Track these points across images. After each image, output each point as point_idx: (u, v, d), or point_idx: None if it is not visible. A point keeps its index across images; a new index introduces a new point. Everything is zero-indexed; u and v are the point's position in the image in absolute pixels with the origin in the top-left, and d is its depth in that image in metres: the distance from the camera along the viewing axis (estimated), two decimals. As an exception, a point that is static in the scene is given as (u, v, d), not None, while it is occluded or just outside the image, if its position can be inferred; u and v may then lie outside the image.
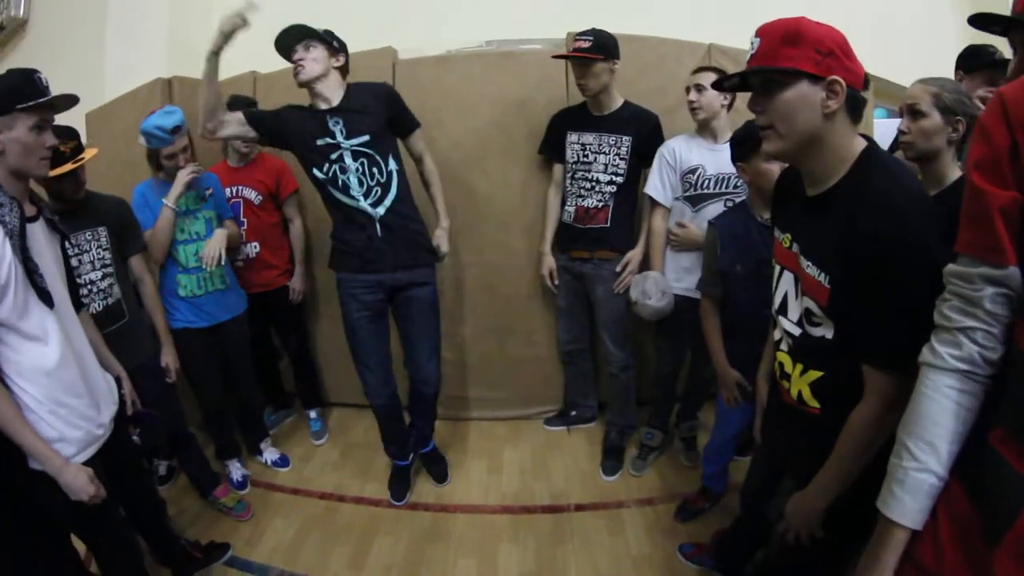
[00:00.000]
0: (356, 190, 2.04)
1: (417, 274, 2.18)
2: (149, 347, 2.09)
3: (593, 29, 2.17)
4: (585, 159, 2.33)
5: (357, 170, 2.03)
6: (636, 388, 2.81)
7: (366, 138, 2.02)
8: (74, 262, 1.84)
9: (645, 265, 2.37)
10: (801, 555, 1.21)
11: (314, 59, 1.99)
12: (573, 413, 2.92)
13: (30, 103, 1.30)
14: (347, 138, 2.01)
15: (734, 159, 1.75)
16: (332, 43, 2.03)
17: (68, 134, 1.78)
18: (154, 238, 2.16)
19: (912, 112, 1.41)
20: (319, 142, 2.01)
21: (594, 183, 2.33)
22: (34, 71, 1.38)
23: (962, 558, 0.78)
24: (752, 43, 1.00)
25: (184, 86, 2.71)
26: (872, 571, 0.86)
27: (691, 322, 2.14)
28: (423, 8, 2.80)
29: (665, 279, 2.24)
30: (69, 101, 1.43)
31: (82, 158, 1.80)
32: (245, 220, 2.53)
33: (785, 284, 1.19)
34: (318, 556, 2.17)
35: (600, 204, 2.34)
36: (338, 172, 2.03)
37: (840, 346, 1.05)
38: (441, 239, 2.24)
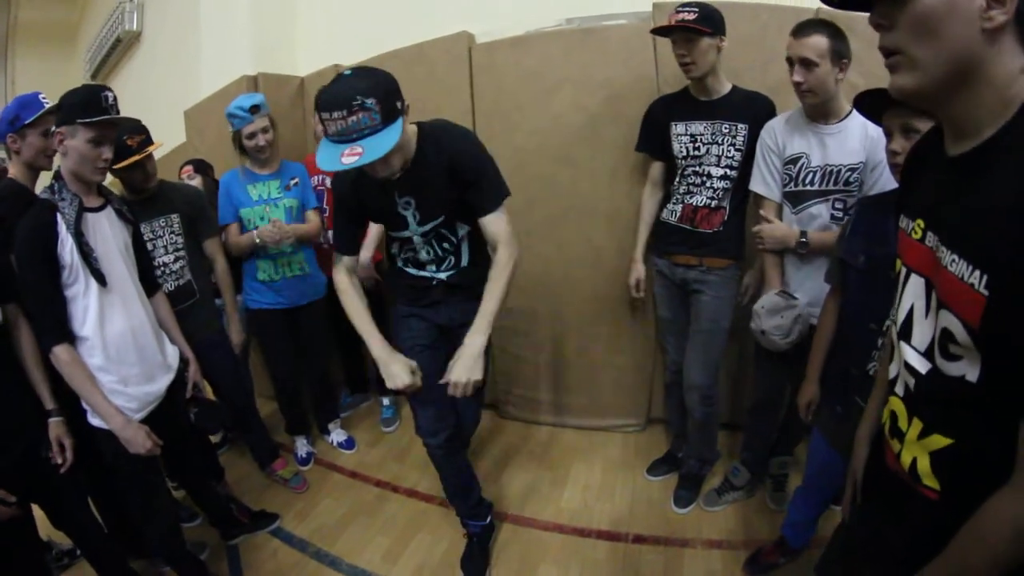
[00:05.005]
0: (426, 262, 1.75)
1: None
2: (218, 324, 2.23)
3: (698, 0, 1.84)
4: (696, 152, 1.97)
5: (427, 249, 1.72)
6: (729, 412, 2.45)
7: (439, 220, 1.66)
8: (149, 246, 2.02)
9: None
10: None
11: (398, 148, 1.42)
12: (680, 454, 2.36)
13: (87, 120, 1.44)
14: (420, 224, 1.65)
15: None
16: (397, 105, 1.41)
17: (136, 129, 1.92)
18: (229, 245, 2.31)
19: None
20: (393, 234, 1.72)
21: (705, 177, 1.97)
22: (102, 89, 1.52)
23: None
24: None
25: (268, 81, 2.88)
26: None
27: (801, 343, 1.75)
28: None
29: (809, 317, 1.74)
30: (129, 124, 1.59)
31: (146, 151, 1.92)
32: (327, 208, 2.61)
33: (912, 294, 0.81)
34: (357, 542, 2.16)
35: (713, 204, 1.98)
36: (410, 254, 1.75)
37: (987, 396, 0.68)
38: (456, 367, 1.53)
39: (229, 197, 2.33)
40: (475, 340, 1.55)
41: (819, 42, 1.59)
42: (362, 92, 1.30)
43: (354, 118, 1.30)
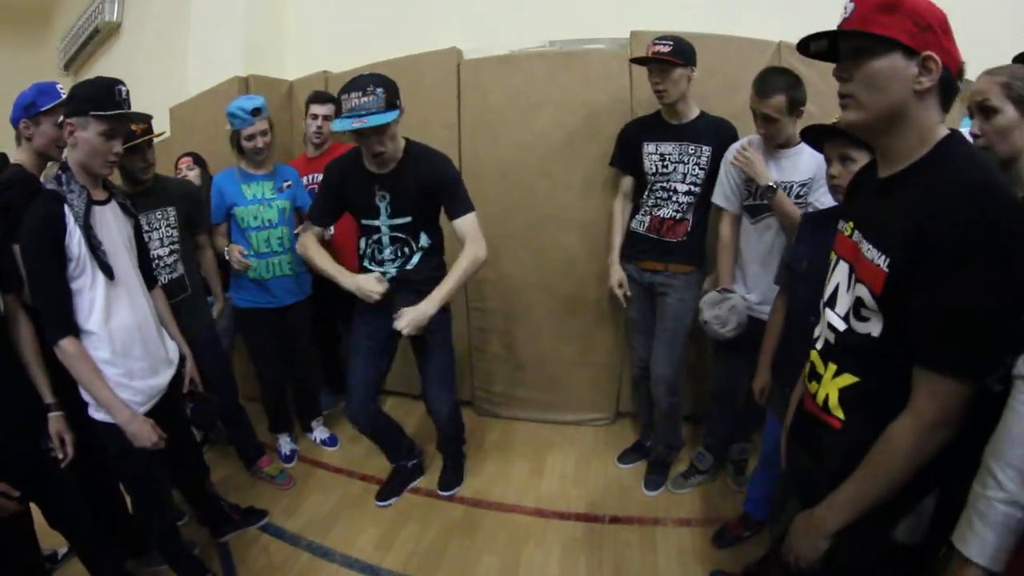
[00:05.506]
0: (386, 260, 2.11)
1: None
2: (210, 320, 2.27)
3: (672, 35, 2.07)
4: (664, 170, 2.20)
5: (391, 248, 2.09)
6: (693, 403, 2.67)
7: (408, 219, 2.04)
8: (144, 238, 2.03)
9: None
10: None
11: (391, 137, 1.90)
12: (648, 443, 2.58)
13: (100, 113, 1.46)
14: (390, 217, 2.04)
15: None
16: (396, 102, 1.88)
17: (142, 118, 1.89)
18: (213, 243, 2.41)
19: (983, 109, 1.22)
20: (364, 221, 2.08)
21: (671, 192, 2.20)
22: (116, 82, 1.52)
23: None
24: (845, 8, 0.93)
25: (259, 83, 2.92)
26: None
27: (754, 337, 1.97)
28: (487, 9, 2.85)
29: (744, 309, 2.03)
30: (140, 117, 1.62)
31: (149, 136, 1.95)
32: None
33: (839, 275, 1.06)
34: (348, 534, 2.23)
35: (678, 216, 2.20)
36: (375, 248, 2.10)
37: (885, 347, 0.93)
38: (406, 314, 1.95)
39: (222, 197, 2.37)
40: (426, 305, 1.97)
41: (779, 102, 1.82)
42: (373, 83, 1.83)
43: (365, 99, 1.81)
